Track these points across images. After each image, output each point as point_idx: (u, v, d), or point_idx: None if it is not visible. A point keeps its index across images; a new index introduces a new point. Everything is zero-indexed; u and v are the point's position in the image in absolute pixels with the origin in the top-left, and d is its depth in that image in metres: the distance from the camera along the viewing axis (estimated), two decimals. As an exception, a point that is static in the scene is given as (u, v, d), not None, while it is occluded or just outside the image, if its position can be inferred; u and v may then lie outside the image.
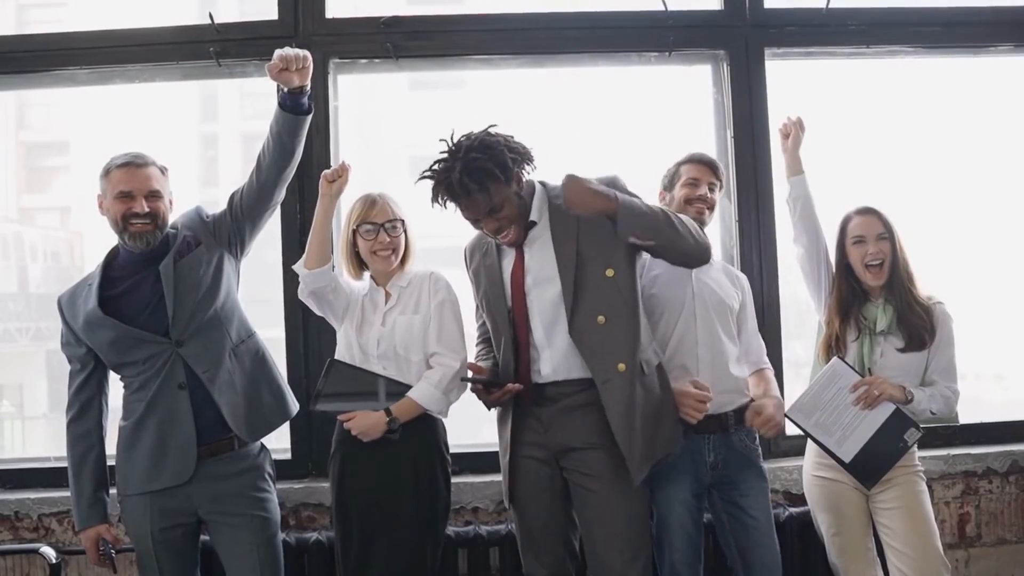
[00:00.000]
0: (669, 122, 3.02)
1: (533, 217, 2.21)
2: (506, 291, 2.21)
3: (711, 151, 2.96)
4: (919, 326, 2.40)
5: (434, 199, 2.15)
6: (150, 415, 2.22)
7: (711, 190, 2.44)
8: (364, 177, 3.80)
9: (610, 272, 2.16)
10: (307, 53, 2.18)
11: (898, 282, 2.43)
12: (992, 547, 2.85)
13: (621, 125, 3.06)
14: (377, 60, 2.94)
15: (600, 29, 2.94)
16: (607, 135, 3.10)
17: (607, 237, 2.13)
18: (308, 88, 2.24)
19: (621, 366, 2.13)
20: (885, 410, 2.35)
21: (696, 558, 2.36)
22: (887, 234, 2.44)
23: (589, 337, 2.14)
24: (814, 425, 2.39)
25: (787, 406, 2.44)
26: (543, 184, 2.26)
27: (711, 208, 2.45)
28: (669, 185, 2.50)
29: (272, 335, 2.93)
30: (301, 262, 2.35)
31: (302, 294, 2.38)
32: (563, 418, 2.17)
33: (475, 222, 2.18)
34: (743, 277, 2.56)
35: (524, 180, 2.18)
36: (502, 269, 2.24)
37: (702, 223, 2.41)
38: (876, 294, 2.46)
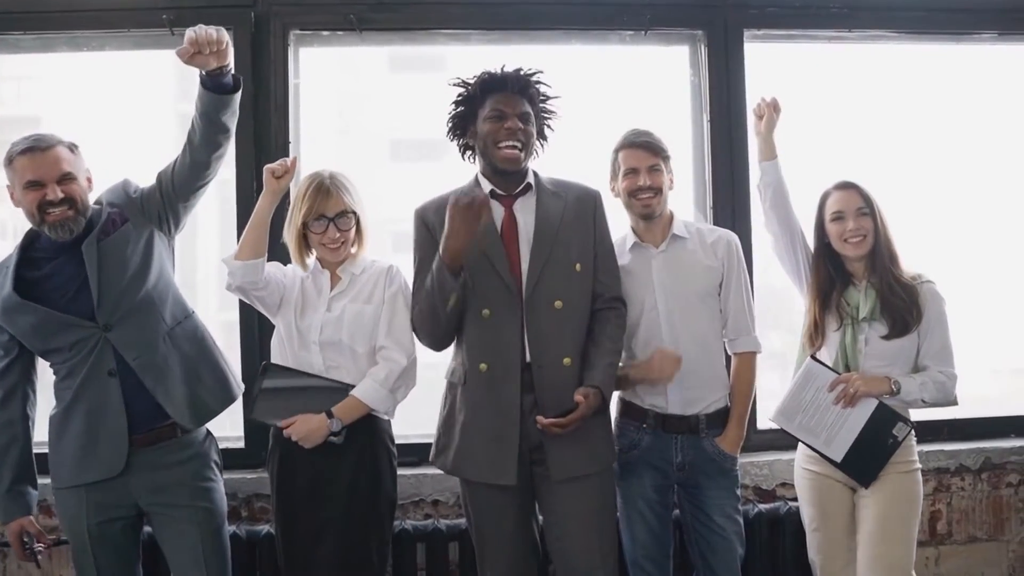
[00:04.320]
0: (644, 104, 2.77)
1: (529, 180, 2.07)
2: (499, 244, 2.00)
3: (687, 135, 2.76)
4: (902, 308, 2.15)
5: (458, 101, 2.05)
6: (78, 404, 1.98)
7: (653, 173, 2.15)
8: (344, 160, 3.55)
9: (579, 267, 2.02)
10: (221, 32, 1.83)
11: (880, 261, 2.18)
12: (963, 545, 2.68)
13: (595, 106, 2.81)
14: (340, 32, 2.67)
15: (574, 5, 2.69)
16: (582, 116, 2.85)
17: (585, 238, 2.05)
18: (229, 67, 1.91)
19: (567, 360, 1.99)
20: (868, 406, 2.13)
21: (661, 554, 2.19)
22: (868, 209, 2.19)
23: (541, 318, 1.98)
24: (798, 428, 2.19)
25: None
26: (534, 171, 2.11)
27: (658, 192, 2.16)
28: (613, 174, 2.23)
29: (228, 317, 2.70)
30: (231, 254, 2.07)
31: (229, 287, 2.09)
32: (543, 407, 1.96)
33: (498, 117, 2.00)
34: (724, 238, 2.23)
35: (538, 140, 2.09)
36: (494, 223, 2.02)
37: (651, 213, 2.17)
38: (859, 275, 2.22)
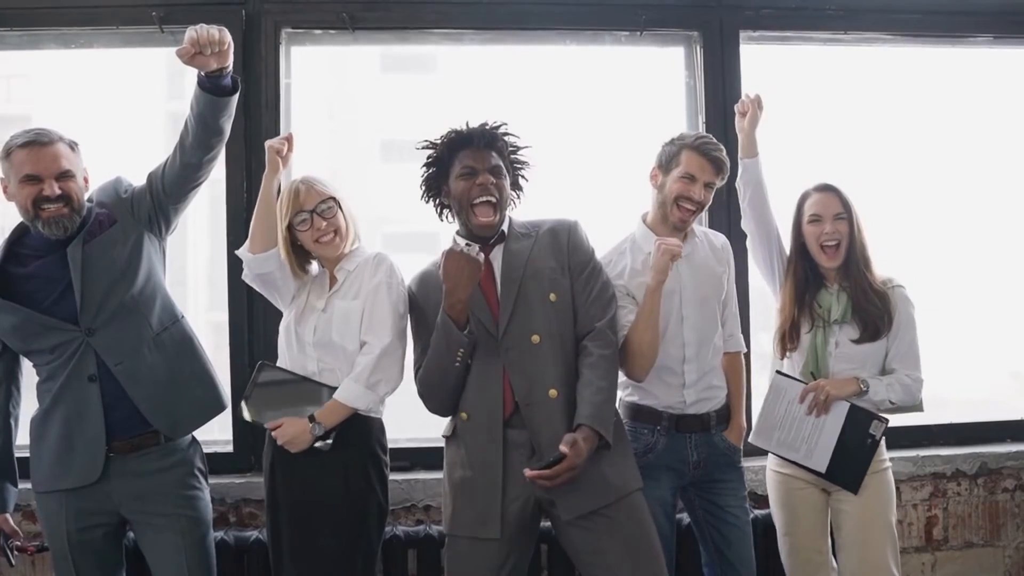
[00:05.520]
0: (639, 105, 2.76)
1: (503, 228, 2.02)
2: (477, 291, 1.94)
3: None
4: (874, 314, 2.15)
5: (428, 163, 2.00)
6: (57, 408, 1.94)
7: (708, 190, 2.10)
8: (335, 160, 3.53)
9: (553, 296, 1.95)
10: (223, 32, 1.80)
11: (854, 266, 2.18)
12: (959, 551, 2.65)
13: (590, 107, 2.80)
14: (333, 31, 2.63)
15: (569, 5, 2.66)
16: (576, 118, 2.85)
17: (558, 267, 1.98)
18: (229, 68, 1.88)
19: (553, 392, 1.90)
20: (841, 411, 2.13)
21: (667, 556, 2.14)
22: (845, 214, 2.18)
23: (520, 356, 1.91)
24: (777, 445, 2.19)
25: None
26: (510, 218, 2.08)
27: (699, 210, 2.12)
28: (666, 166, 2.13)
29: (217, 318, 2.67)
30: (245, 246, 2.08)
31: (247, 278, 2.10)
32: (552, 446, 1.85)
33: (469, 174, 1.94)
34: (726, 243, 2.25)
35: (511, 191, 2.03)
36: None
37: (684, 228, 2.13)
38: (831, 279, 2.22)
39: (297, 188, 2.03)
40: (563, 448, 1.80)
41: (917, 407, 2.21)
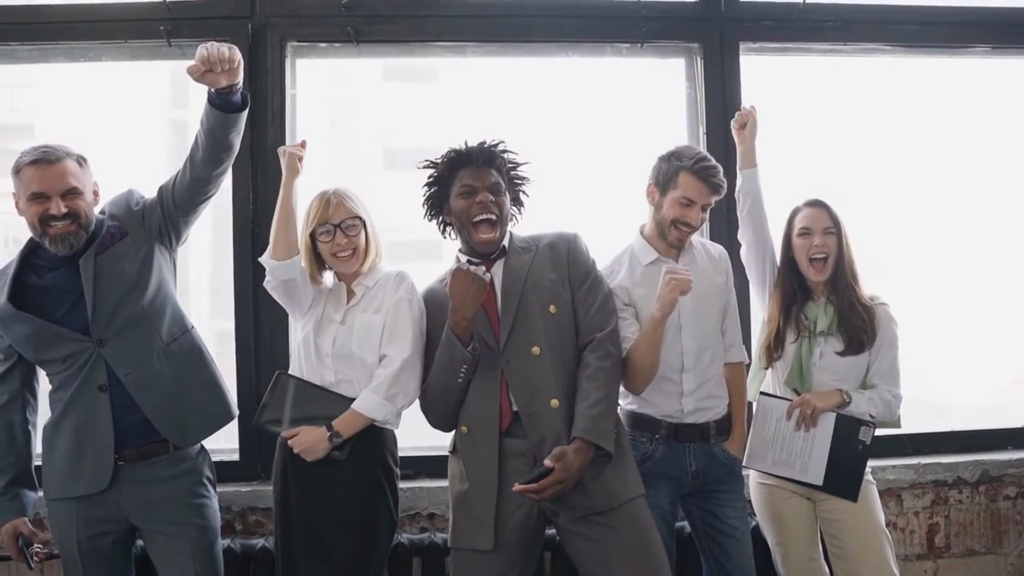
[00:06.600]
0: (640, 116, 2.80)
1: (503, 243, 2.07)
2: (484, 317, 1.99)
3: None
4: (860, 328, 2.21)
5: (430, 182, 2.05)
6: (67, 417, 1.98)
7: (704, 212, 2.14)
8: (337, 168, 3.56)
9: (553, 308, 1.99)
10: (233, 49, 1.84)
11: (842, 279, 2.24)
12: (961, 558, 2.68)
13: (592, 119, 2.84)
14: (338, 44, 2.69)
15: (570, 18, 2.72)
16: (578, 129, 2.89)
17: (558, 280, 2.02)
18: (239, 85, 1.93)
19: (555, 402, 1.94)
20: (828, 422, 2.19)
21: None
22: (834, 228, 2.25)
23: (520, 367, 1.95)
24: (772, 465, 2.24)
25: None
26: (510, 233, 2.12)
27: (695, 231, 2.17)
28: (663, 186, 2.16)
29: (221, 326, 2.71)
30: (268, 253, 2.10)
31: (269, 285, 2.12)
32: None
33: (468, 193, 1.99)
34: (725, 254, 2.29)
35: (512, 207, 2.09)
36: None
37: (680, 247, 2.18)
38: (819, 292, 2.28)
39: (328, 199, 2.08)
40: (548, 462, 1.84)
41: (895, 423, 2.28)
